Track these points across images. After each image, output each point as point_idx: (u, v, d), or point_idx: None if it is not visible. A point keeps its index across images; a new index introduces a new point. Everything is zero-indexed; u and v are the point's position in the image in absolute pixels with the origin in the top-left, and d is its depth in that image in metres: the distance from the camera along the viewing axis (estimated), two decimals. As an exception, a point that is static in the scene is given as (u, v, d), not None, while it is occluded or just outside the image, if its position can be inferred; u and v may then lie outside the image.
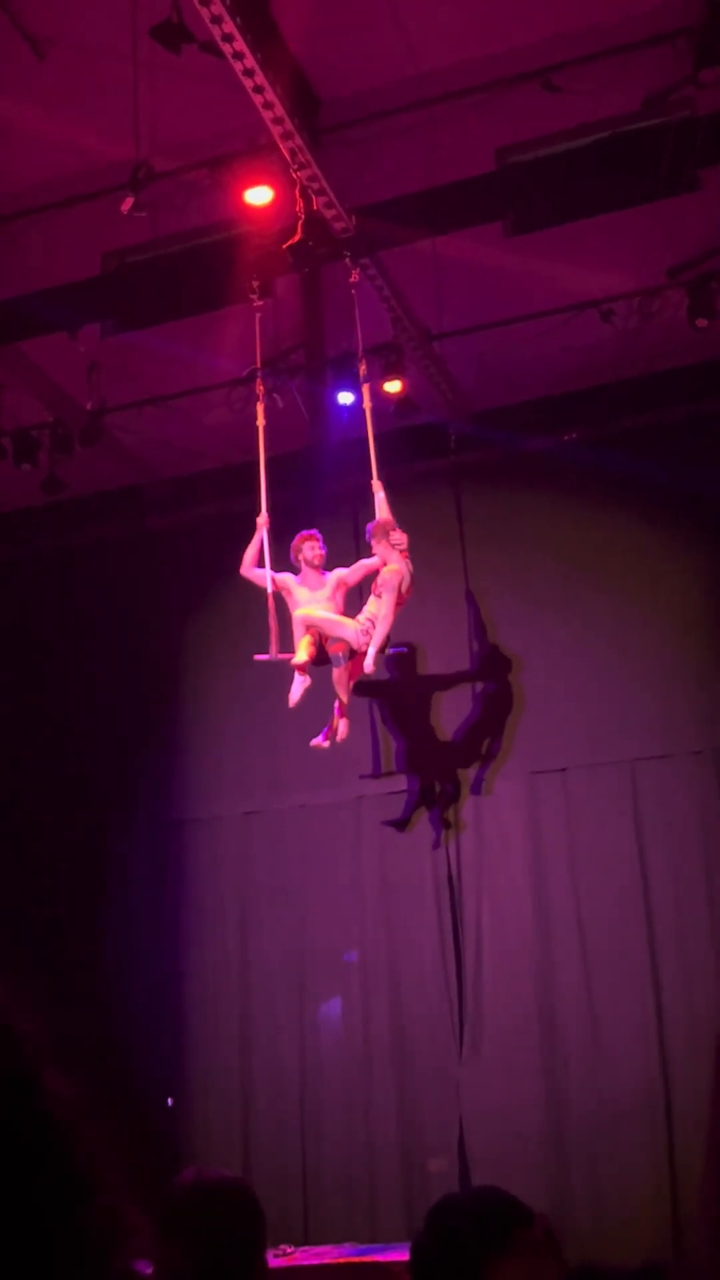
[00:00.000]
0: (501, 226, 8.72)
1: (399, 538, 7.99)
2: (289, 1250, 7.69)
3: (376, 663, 7.94)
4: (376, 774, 9.91)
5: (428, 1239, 2.24)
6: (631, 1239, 8.21)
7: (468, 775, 9.84)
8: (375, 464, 7.95)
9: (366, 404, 8.07)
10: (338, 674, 8.13)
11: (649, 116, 7.77)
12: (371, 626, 7.89)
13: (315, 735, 8.45)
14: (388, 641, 7.98)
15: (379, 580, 7.97)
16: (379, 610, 7.88)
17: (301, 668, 7.93)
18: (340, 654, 8.00)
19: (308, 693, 8.02)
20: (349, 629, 7.96)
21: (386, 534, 7.99)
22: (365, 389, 8.15)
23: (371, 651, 7.83)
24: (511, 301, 9.01)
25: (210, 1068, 9.87)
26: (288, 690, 8.20)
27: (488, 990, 9.46)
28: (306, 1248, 8.11)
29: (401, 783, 9.94)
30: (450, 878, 9.72)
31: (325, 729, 8.32)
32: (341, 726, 8.30)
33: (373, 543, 8.10)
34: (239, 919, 10.13)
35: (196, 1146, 9.44)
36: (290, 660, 7.94)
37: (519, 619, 9.89)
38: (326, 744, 8.34)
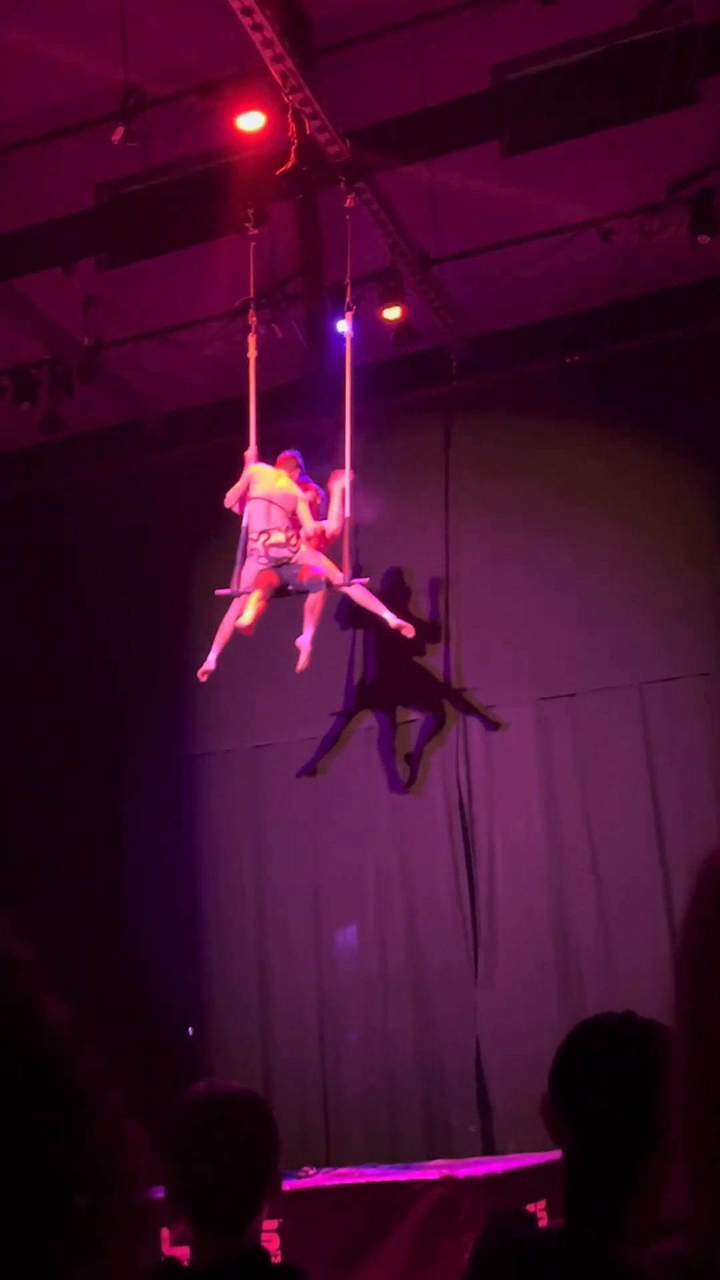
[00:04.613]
0: (498, 146, 8.58)
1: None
2: (310, 1171, 7.81)
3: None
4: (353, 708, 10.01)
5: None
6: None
7: (477, 702, 9.86)
8: (350, 405, 8.01)
9: (348, 332, 7.99)
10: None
11: (646, 28, 7.61)
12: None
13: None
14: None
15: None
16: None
17: (247, 629, 7.99)
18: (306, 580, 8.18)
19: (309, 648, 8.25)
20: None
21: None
22: (348, 316, 8.05)
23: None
24: (510, 223, 8.88)
25: (229, 997, 9.99)
26: (295, 623, 8.21)
27: (502, 914, 9.55)
28: (328, 1169, 8.25)
29: (410, 713, 9.96)
30: (462, 804, 9.78)
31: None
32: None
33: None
34: (254, 850, 10.21)
35: (218, 1074, 9.57)
36: (238, 620, 8.04)
37: (523, 545, 9.85)
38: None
